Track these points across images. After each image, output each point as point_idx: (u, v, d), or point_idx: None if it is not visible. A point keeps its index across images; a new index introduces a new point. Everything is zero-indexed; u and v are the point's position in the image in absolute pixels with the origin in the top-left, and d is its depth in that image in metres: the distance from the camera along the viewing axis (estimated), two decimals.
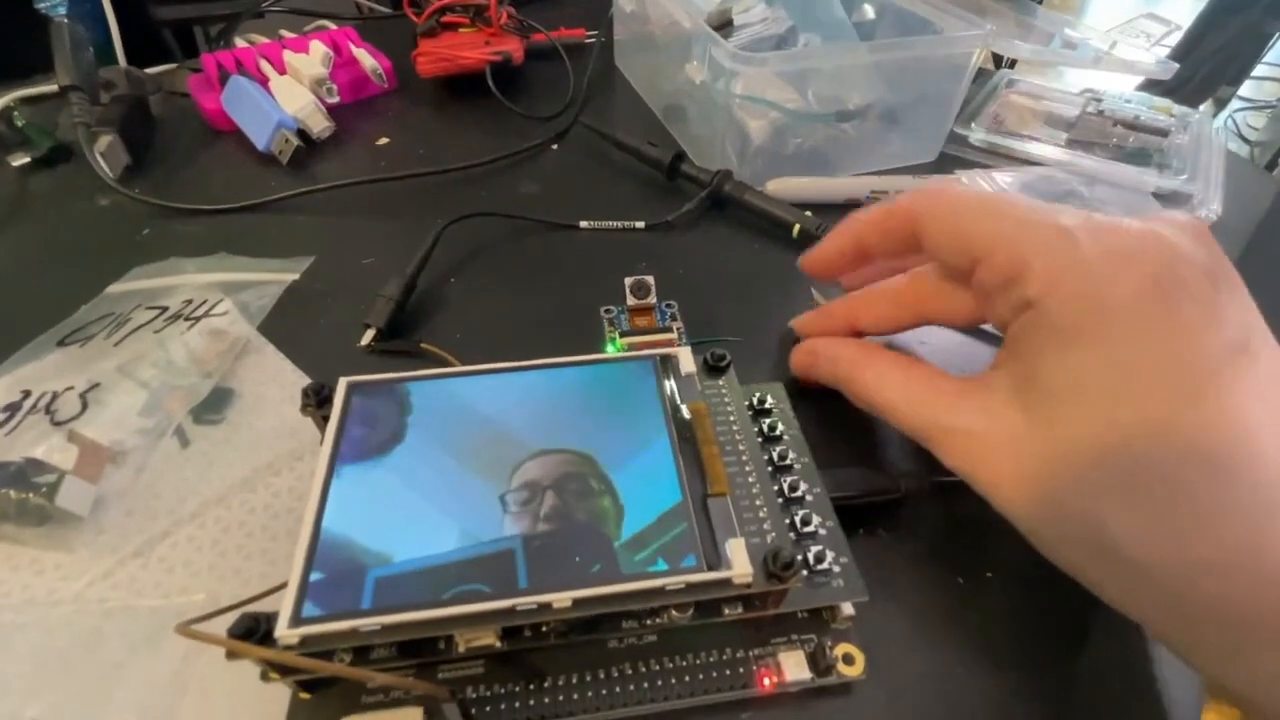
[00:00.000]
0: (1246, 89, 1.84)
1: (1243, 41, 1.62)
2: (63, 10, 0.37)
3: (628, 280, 0.26)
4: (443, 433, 0.19)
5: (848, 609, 0.18)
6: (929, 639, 0.20)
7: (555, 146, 0.42)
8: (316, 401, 0.20)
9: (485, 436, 0.19)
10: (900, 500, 0.22)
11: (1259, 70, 1.78)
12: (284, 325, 0.29)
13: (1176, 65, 0.43)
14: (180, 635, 0.15)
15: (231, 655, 0.15)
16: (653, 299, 0.26)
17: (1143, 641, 0.21)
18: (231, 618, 0.16)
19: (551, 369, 0.21)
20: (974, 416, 0.18)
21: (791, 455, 0.21)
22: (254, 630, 0.15)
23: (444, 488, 0.18)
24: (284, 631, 0.15)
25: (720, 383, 0.22)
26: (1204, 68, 1.60)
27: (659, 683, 0.18)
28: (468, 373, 0.21)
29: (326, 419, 0.20)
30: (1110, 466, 0.15)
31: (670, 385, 0.20)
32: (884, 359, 0.21)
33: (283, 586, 0.16)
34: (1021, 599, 0.21)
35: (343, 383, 0.20)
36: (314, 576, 0.16)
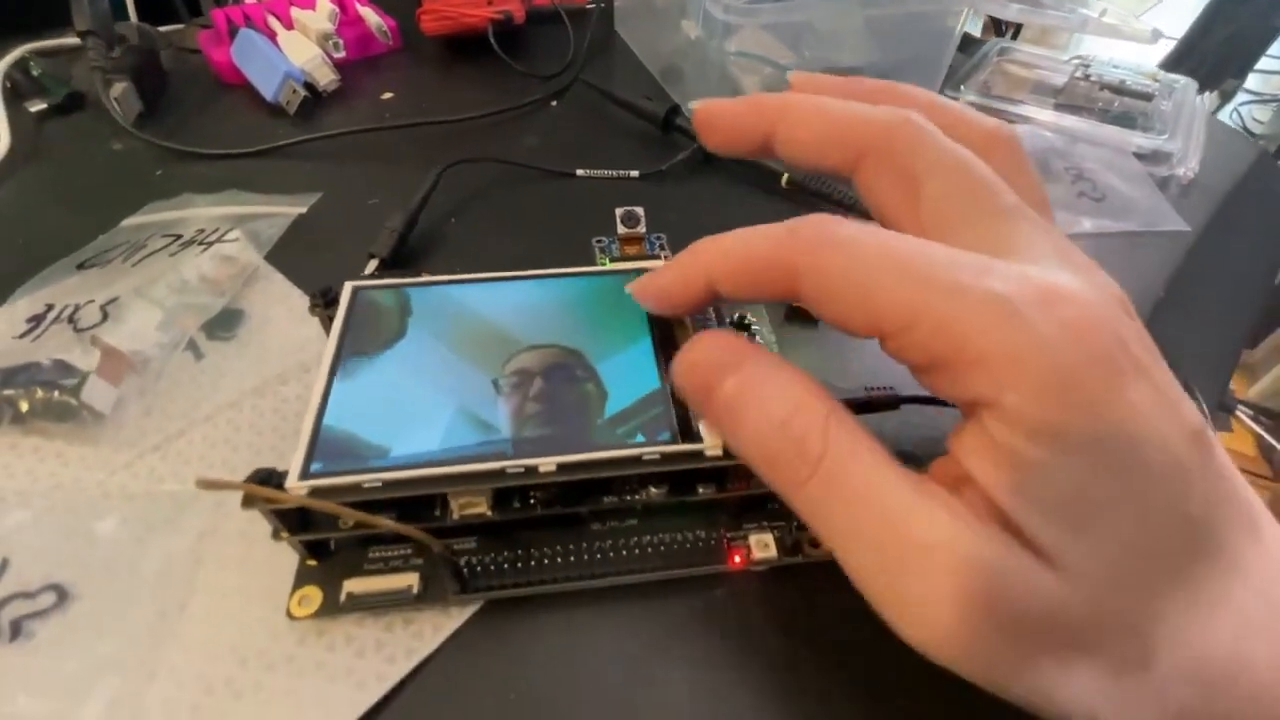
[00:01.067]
0: (1252, 82, 1.83)
1: (1249, 34, 1.62)
2: None
3: (618, 211, 0.28)
4: (441, 328, 0.20)
5: None
6: None
7: (555, 103, 0.44)
8: (324, 303, 0.21)
9: (481, 332, 0.20)
10: (868, 410, 0.24)
11: (1264, 63, 1.78)
12: (291, 256, 0.31)
13: (1164, 34, 0.44)
14: (201, 489, 0.16)
15: (247, 503, 0.16)
16: (642, 229, 0.28)
17: None
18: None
19: (545, 279, 0.22)
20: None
21: None
22: (267, 481, 0.16)
23: (441, 373, 0.19)
24: (294, 484, 0.16)
25: None
26: (1210, 60, 1.60)
27: (637, 553, 0.19)
28: (467, 280, 0.22)
29: (332, 319, 0.21)
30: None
31: None
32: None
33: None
34: None
35: (348, 286, 0.22)
36: (314, 467, 0.17)
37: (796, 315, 0.29)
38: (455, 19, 0.46)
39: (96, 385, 0.23)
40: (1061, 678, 0.12)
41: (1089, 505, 0.12)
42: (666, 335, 0.21)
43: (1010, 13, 0.41)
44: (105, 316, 0.25)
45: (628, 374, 0.19)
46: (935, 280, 0.13)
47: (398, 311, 0.21)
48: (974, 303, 0.13)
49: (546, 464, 0.17)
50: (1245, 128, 1.87)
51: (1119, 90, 0.44)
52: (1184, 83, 0.45)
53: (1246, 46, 1.69)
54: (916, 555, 0.13)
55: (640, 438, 0.17)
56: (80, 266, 0.29)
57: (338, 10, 0.45)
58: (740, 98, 0.18)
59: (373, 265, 0.30)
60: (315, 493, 0.16)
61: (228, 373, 0.25)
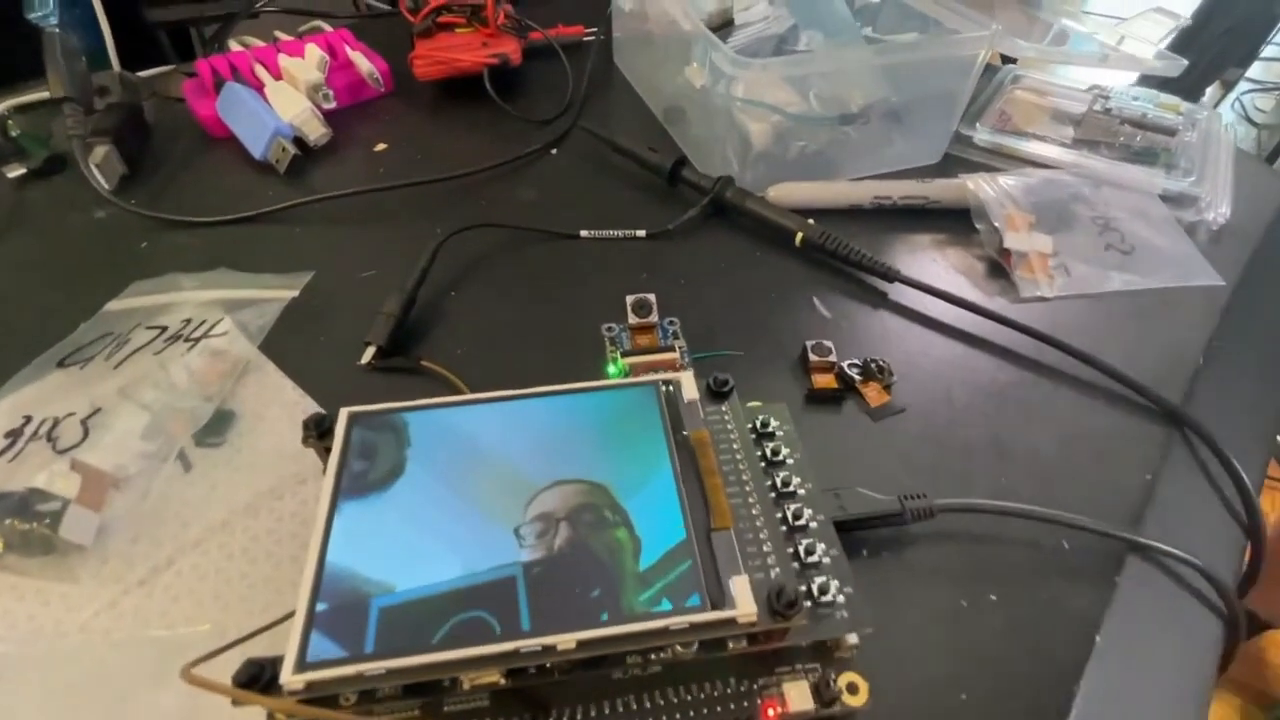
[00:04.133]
0: (1254, 70, 1.81)
1: (1251, 22, 1.60)
2: (54, 20, 0.37)
3: (629, 299, 0.26)
4: (446, 466, 0.19)
5: (852, 639, 0.18)
6: (933, 663, 0.20)
7: (554, 151, 0.42)
8: (318, 433, 0.20)
9: (491, 470, 0.19)
10: (904, 521, 0.22)
11: (1267, 51, 1.76)
12: (284, 342, 0.29)
13: (1185, 62, 0.42)
14: (185, 681, 0.15)
15: (237, 703, 0.15)
16: (654, 317, 0.26)
17: (1146, 668, 0.21)
18: (238, 652, 0.16)
19: (553, 397, 0.21)
20: None
21: (795, 481, 0.21)
22: (258, 677, 0.15)
23: (451, 524, 0.18)
24: (289, 678, 0.15)
25: (723, 408, 0.21)
26: (1212, 49, 1.58)
27: (664, 715, 0.18)
28: (469, 402, 0.21)
29: (328, 450, 0.20)
30: None
31: (671, 411, 0.20)
32: None
33: (288, 617, 0.16)
34: (1025, 623, 0.21)
35: (344, 413, 0.20)
36: (319, 606, 0.16)
37: (817, 397, 0.28)
38: (449, 63, 0.44)
39: (77, 516, 0.21)
40: None
41: None
42: (687, 460, 0.19)
43: (1028, 52, 0.40)
44: (86, 434, 0.24)
45: (655, 514, 0.18)
46: None
47: (396, 443, 0.19)
48: None
49: (565, 641, 0.15)
50: (1247, 116, 1.85)
51: (1141, 124, 0.42)
52: (1208, 114, 0.44)
53: (1248, 35, 1.67)
54: None
55: (667, 603, 0.16)
56: (61, 364, 0.27)
57: (327, 58, 0.43)
58: None
59: (370, 353, 0.28)
60: (312, 686, 0.15)
61: (218, 485, 0.24)
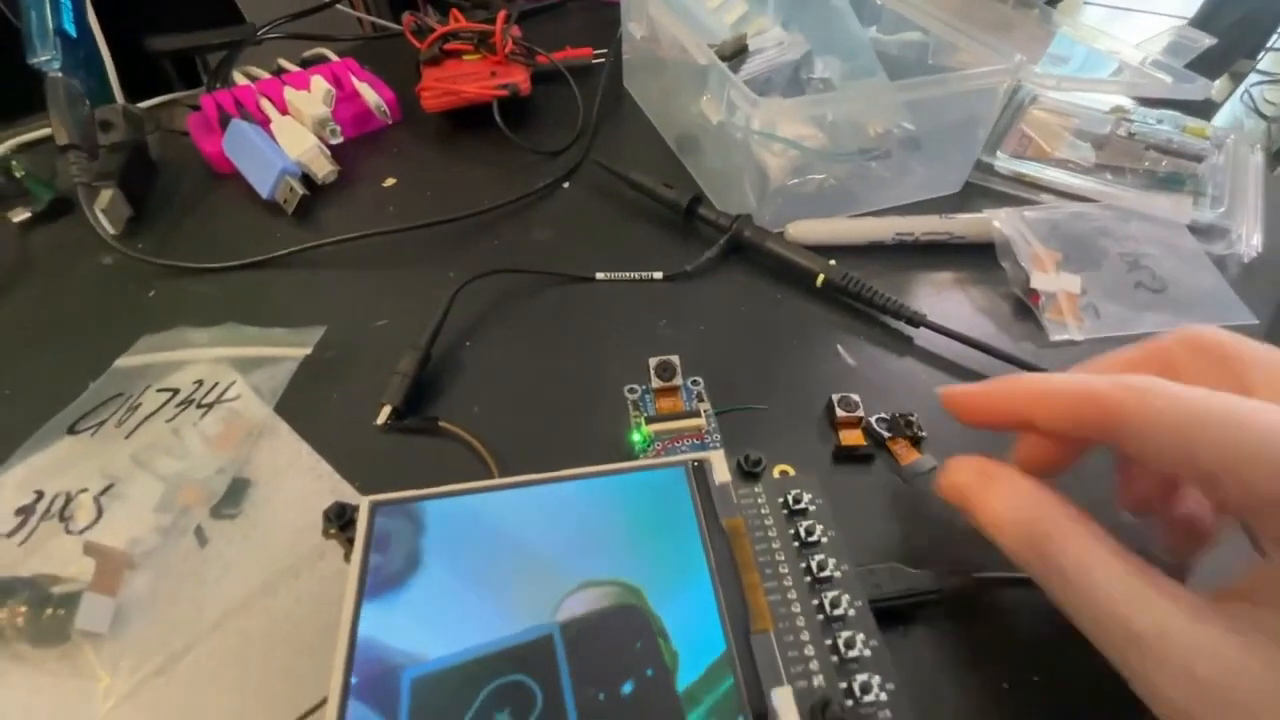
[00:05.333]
0: (1264, 63, 1.80)
1: (1260, 14, 1.58)
2: (57, 65, 0.36)
3: (652, 362, 0.26)
4: (472, 561, 0.18)
5: None
6: None
7: (567, 185, 0.41)
8: (339, 525, 0.19)
9: (519, 565, 0.18)
10: (942, 597, 0.22)
11: (1277, 43, 1.74)
12: (298, 402, 0.28)
13: (1213, 85, 0.41)
14: None
15: None
16: (678, 380, 0.25)
17: None
18: None
19: (579, 480, 0.20)
20: (1229, 644, 0.15)
21: (830, 564, 0.20)
22: None
23: (477, 626, 0.17)
24: None
25: (756, 489, 0.21)
26: (1221, 41, 1.56)
27: None
28: (494, 487, 0.20)
29: (350, 540, 0.19)
30: None
31: (702, 494, 0.20)
32: (1099, 535, 0.17)
33: (312, 711, 0.16)
34: (1070, 704, 0.21)
35: (365, 503, 0.19)
36: (352, 680, 0.16)
37: (845, 455, 0.27)
38: (457, 94, 0.43)
39: (92, 604, 0.21)
40: None
41: None
42: (722, 549, 0.19)
43: (1050, 82, 0.39)
44: (100, 512, 0.23)
45: (693, 619, 0.17)
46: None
47: (418, 534, 0.19)
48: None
49: None
50: (1256, 109, 1.83)
51: (1166, 150, 0.41)
52: (1235, 137, 0.43)
53: (1259, 27, 1.65)
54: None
55: None
56: (72, 429, 0.27)
57: (333, 91, 0.42)
58: (988, 383, 0.20)
59: (385, 414, 0.27)
60: None
61: (235, 563, 0.23)
